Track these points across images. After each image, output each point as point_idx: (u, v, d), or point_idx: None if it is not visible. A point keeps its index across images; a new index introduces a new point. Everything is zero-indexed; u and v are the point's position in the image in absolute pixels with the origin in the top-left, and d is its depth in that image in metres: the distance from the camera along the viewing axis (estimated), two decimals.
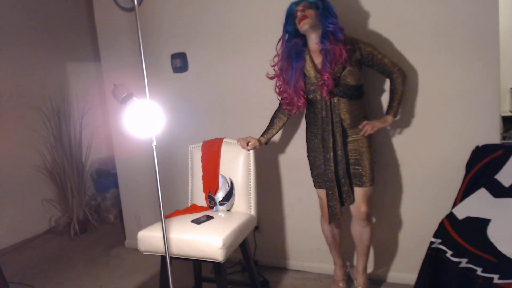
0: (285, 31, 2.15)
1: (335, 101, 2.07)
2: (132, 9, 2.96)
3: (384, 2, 2.24)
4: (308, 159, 2.27)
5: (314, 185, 2.27)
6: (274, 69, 2.23)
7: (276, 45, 2.20)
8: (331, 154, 2.10)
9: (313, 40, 2.09)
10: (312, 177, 2.27)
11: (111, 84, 1.85)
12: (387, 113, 2.15)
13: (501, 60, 2.07)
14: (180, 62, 2.84)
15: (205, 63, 2.79)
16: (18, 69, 3.75)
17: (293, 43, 2.13)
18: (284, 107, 2.21)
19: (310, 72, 2.09)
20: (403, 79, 2.12)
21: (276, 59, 2.20)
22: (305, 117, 2.28)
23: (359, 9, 2.29)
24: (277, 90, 2.22)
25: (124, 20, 3.04)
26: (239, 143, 2.28)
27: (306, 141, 2.27)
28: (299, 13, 2.04)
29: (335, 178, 2.12)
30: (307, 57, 2.11)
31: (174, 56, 2.86)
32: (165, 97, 2.90)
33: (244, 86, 2.69)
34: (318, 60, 2.09)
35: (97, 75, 4.37)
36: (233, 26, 2.65)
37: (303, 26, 2.04)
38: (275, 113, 2.33)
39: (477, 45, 2.08)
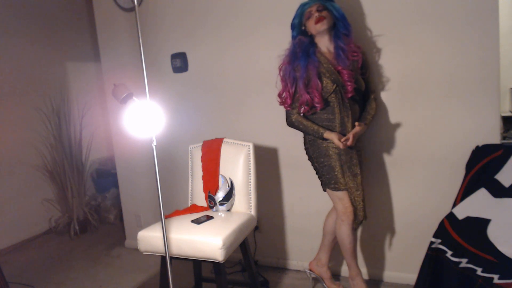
0: (293, 34, 2.14)
1: (348, 105, 2.06)
2: (132, 9, 2.96)
3: (384, 2, 2.24)
4: (323, 164, 2.12)
5: (336, 190, 2.11)
6: (284, 78, 2.13)
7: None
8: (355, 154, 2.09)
9: (326, 41, 2.09)
10: (330, 181, 2.12)
11: (111, 84, 1.86)
12: (362, 121, 2.10)
13: (501, 60, 2.07)
14: (180, 62, 2.84)
15: (205, 63, 2.79)
16: (18, 69, 3.76)
17: (297, 41, 2.10)
18: (303, 111, 2.10)
19: (326, 73, 2.03)
20: (376, 102, 2.22)
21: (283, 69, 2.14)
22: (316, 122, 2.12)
23: (359, 9, 2.29)
24: (291, 100, 2.11)
25: (124, 20, 3.04)
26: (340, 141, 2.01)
27: (315, 147, 2.14)
28: (316, 14, 2.04)
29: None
30: (321, 57, 2.05)
31: (174, 56, 2.86)
32: (165, 97, 2.91)
33: (244, 86, 2.69)
34: (332, 60, 2.06)
35: (97, 75, 4.37)
36: (233, 26, 2.65)
37: (321, 27, 2.03)
38: (300, 120, 2.13)
39: (477, 45, 2.08)
